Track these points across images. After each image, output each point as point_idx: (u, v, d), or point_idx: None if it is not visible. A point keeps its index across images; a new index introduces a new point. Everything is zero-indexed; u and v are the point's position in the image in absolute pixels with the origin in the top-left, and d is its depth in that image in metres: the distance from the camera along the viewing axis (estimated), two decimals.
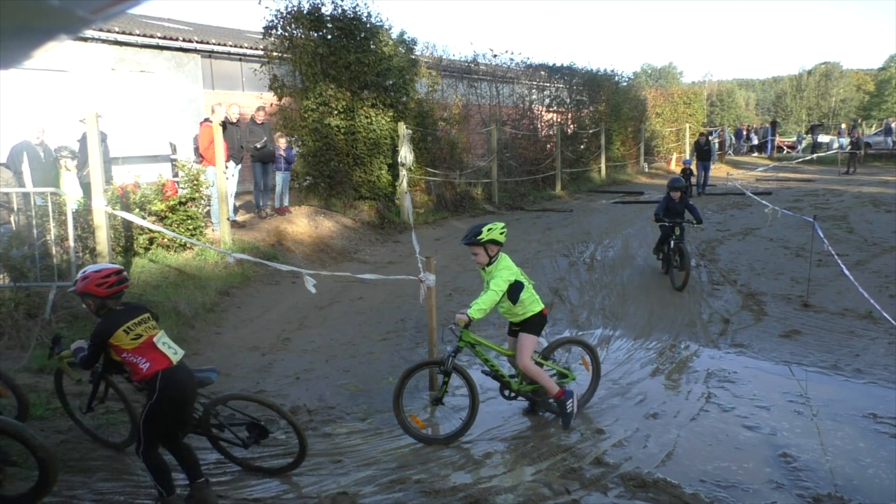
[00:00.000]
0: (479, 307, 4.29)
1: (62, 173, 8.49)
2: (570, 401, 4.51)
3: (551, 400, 4.57)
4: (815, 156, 24.26)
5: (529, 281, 4.64)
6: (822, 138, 32.78)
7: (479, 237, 4.51)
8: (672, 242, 8.19)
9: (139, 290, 7.23)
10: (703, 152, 17.59)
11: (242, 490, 3.80)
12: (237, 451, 3.96)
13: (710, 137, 18.99)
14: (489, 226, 4.56)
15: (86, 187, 8.26)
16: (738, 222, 12.56)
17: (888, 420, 4.45)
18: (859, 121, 35.14)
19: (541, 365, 4.62)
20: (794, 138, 35.63)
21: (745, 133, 34.81)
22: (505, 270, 4.48)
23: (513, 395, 4.68)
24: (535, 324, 4.52)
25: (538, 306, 4.53)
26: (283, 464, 4.00)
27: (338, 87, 12.12)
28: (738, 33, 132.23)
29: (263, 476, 3.94)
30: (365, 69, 12.30)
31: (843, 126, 34.82)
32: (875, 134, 31.41)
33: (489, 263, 4.55)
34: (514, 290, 4.46)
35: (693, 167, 16.75)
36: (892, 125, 29.34)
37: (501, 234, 4.57)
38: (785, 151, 32.47)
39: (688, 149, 27.69)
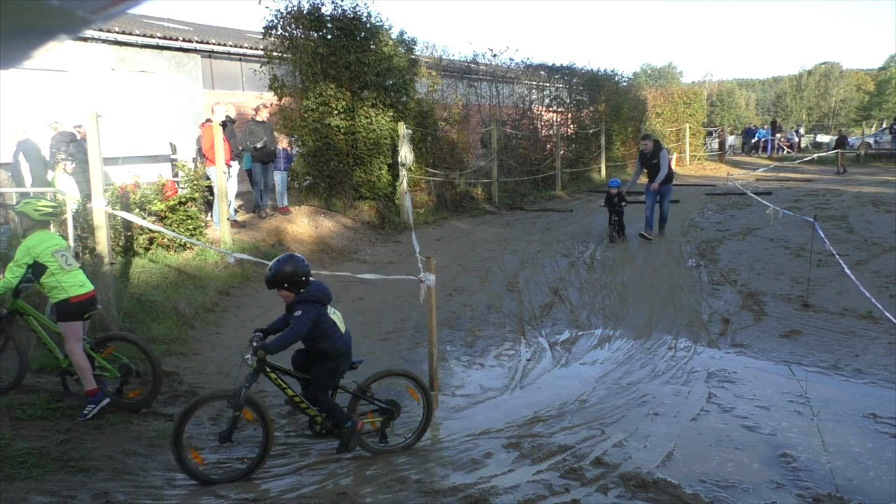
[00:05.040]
0: None
1: (56, 175, 8.52)
2: (93, 406, 4.53)
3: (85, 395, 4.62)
4: (815, 156, 24.28)
5: (68, 268, 4.55)
6: (822, 138, 32.82)
7: (16, 205, 4.76)
8: None
9: (139, 289, 7.24)
10: (650, 167, 11.09)
11: (242, 490, 3.80)
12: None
13: (659, 143, 11.43)
14: (28, 199, 4.66)
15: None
16: (738, 222, 12.56)
17: (888, 420, 4.45)
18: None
19: (92, 358, 4.68)
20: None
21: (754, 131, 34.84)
22: (20, 250, 4.51)
23: (61, 372, 4.79)
24: (62, 311, 4.52)
25: (63, 294, 4.50)
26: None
27: (338, 87, 12.12)
28: (738, 33, 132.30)
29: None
30: (365, 69, 12.30)
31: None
32: (877, 133, 31.46)
33: (23, 236, 4.62)
34: (35, 272, 4.53)
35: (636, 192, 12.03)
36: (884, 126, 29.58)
37: (36, 210, 4.56)
38: (785, 151, 32.49)
39: (688, 149, 27.72)
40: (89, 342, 4.77)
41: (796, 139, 33.89)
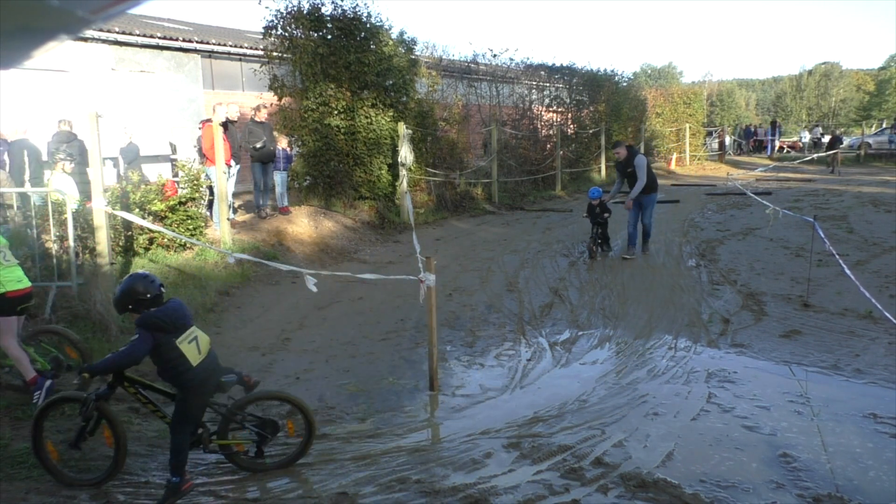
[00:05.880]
0: None
1: (54, 174, 8.53)
2: (39, 391, 4.69)
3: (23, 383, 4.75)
4: (815, 156, 24.32)
5: (7, 264, 4.64)
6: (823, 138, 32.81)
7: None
8: None
9: None
10: (627, 176, 9.79)
11: (242, 490, 3.80)
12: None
13: (633, 149, 10.06)
14: None
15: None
16: (738, 222, 12.56)
17: (888, 420, 4.45)
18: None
19: (26, 350, 4.83)
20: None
21: (753, 132, 34.83)
22: None
23: None
24: None
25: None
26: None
27: (338, 87, 12.12)
28: (738, 33, 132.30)
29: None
30: (365, 69, 12.30)
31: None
32: (877, 133, 31.46)
33: None
34: None
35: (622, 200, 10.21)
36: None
37: None
38: (785, 151, 32.49)
39: (688, 149, 27.72)
40: (21, 336, 4.89)
41: (806, 139, 33.68)
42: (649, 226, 10.00)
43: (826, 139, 30.46)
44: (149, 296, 3.55)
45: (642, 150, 23.38)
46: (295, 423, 4.15)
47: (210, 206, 9.78)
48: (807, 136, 33.92)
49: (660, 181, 11.10)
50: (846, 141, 29.03)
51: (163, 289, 3.64)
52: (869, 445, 4.12)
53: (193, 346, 3.60)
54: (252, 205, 11.54)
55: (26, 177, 8.86)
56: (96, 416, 3.67)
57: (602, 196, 10.05)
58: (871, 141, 29.56)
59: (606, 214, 10.03)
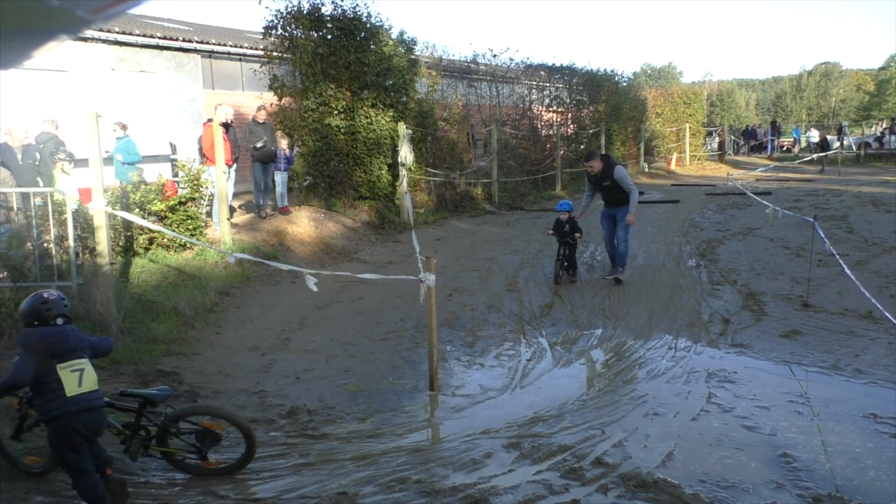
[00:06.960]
0: None
1: (56, 174, 8.52)
2: None
3: None
4: (815, 156, 24.33)
5: None
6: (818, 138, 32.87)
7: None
8: None
9: (139, 289, 7.24)
10: (603, 191, 8.53)
11: (242, 490, 3.80)
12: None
13: (610, 159, 8.73)
14: None
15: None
16: (738, 222, 12.56)
17: (888, 420, 4.45)
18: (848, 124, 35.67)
19: None
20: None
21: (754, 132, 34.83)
22: None
23: None
24: None
25: None
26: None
27: (338, 87, 12.13)
28: (738, 33, 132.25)
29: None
30: (365, 69, 12.31)
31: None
32: (882, 133, 31.49)
33: None
34: None
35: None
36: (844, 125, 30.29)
37: None
38: (785, 149, 32.52)
39: (688, 149, 27.71)
40: None
41: (815, 139, 33.55)
42: (625, 244, 8.43)
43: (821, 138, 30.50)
44: (37, 321, 3.42)
45: (642, 151, 23.36)
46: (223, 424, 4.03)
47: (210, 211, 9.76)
48: (815, 136, 33.83)
49: (658, 182, 11.03)
50: (835, 143, 28.89)
51: (60, 320, 3.47)
52: (869, 445, 4.12)
53: (75, 376, 3.36)
54: (252, 205, 11.54)
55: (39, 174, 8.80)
56: (33, 414, 3.67)
57: (573, 210, 8.72)
58: (870, 140, 29.58)
59: (577, 234, 8.61)
